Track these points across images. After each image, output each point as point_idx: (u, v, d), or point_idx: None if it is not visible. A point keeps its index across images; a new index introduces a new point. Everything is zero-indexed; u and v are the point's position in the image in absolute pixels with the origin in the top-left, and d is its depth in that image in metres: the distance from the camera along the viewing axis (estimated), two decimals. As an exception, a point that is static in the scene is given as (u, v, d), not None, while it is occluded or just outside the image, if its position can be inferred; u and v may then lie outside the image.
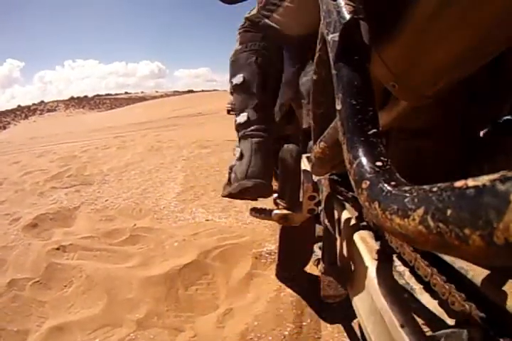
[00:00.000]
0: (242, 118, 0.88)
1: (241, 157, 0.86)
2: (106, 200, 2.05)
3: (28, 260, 1.31)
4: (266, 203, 0.84)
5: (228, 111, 1.14)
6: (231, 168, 0.91)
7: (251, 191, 0.82)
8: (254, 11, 0.83)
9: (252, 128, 0.87)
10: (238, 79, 0.89)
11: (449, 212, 0.11)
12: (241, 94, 0.91)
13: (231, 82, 0.92)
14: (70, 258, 1.33)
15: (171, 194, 2.08)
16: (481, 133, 0.40)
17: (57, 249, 1.38)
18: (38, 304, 1.05)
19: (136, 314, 0.97)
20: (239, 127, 0.90)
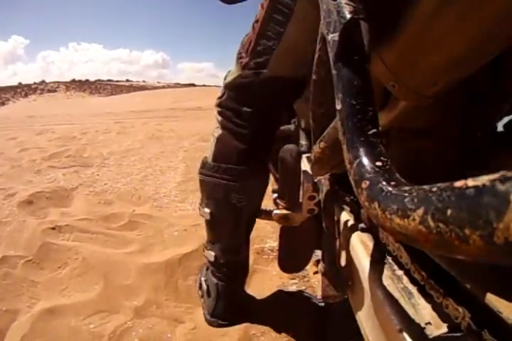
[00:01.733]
0: (211, 256, 0.79)
1: (208, 293, 0.82)
2: (105, 184, 1.98)
3: (22, 237, 1.25)
4: (265, 204, 0.83)
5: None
6: (202, 280, 0.87)
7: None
8: (235, 72, 0.64)
9: (219, 270, 0.80)
10: (205, 212, 0.74)
11: (449, 212, 0.11)
12: (209, 230, 0.79)
13: (199, 209, 0.78)
14: (66, 239, 1.28)
15: (171, 183, 2.00)
16: (481, 133, 0.40)
17: (53, 228, 1.32)
18: (30, 284, 0.99)
19: (134, 301, 0.92)
20: (209, 262, 0.82)
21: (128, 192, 1.85)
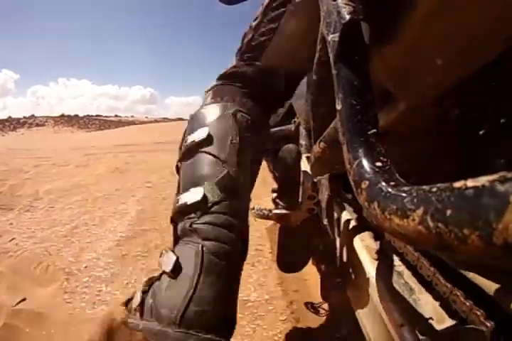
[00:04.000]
0: (193, 196, 0.50)
1: (175, 272, 0.46)
2: (11, 239, 1.39)
3: None
4: (265, 204, 0.83)
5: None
6: (150, 283, 0.49)
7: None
8: (231, 64, 0.65)
9: (208, 217, 0.48)
10: (199, 134, 0.54)
11: (448, 212, 0.11)
12: (198, 159, 0.54)
13: (184, 142, 0.57)
14: None
15: (106, 242, 1.36)
16: (481, 133, 0.40)
17: None
18: None
19: None
20: (180, 213, 0.52)
21: (33, 258, 1.22)
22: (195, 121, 0.59)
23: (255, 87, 0.62)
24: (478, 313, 0.24)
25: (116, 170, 2.85)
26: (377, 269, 0.38)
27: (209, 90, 0.65)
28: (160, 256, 0.50)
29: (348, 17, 0.26)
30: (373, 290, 0.37)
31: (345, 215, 0.55)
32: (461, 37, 0.24)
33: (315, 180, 0.70)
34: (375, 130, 0.22)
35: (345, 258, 0.50)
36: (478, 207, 0.10)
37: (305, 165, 0.74)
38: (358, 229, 0.49)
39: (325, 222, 0.61)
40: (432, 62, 0.27)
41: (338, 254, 0.53)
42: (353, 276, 0.46)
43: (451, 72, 0.27)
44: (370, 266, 0.40)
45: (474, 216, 0.10)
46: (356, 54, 0.26)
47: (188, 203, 0.49)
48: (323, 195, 0.67)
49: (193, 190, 0.50)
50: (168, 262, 0.47)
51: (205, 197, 0.49)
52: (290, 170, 0.70)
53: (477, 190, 0.10)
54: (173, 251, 0.49)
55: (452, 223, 0.11)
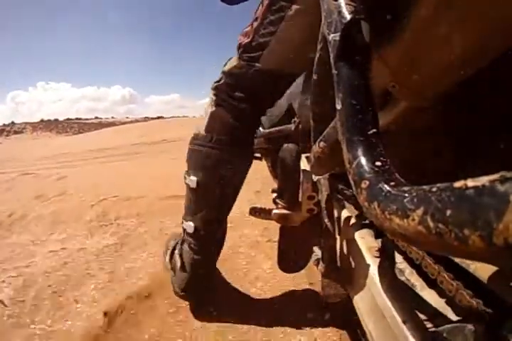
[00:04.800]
0: (189, 227, 0.80)
1: (183, 268, 0.83)
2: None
3: None
4: (266, 204, 0.83)
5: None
6: (173, 251, 0.91)
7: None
8: (234, 61, 0.73)
9: (198, 242, 0.81)
10: (191, 181, 0.78)
11: (448, 212, 0.11)
12: (193, 199, 0.80)
13: (185, 178, 0.81)
14: None
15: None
16: (481, 133, 0.40)
17: None
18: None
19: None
20: (186, 234, 0.83)
21: None
22: (191, 158, 0.80)
23: (251, 88, 0.72)
24: (483, 311, 0.24)
25: (40, 196, 2.06)
26: (379, 267, 0.38)
27: (216, 84, 0.77)
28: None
29: (349, 17, 0.26)
30: (375, 287, 0.37)
31: (346, 213, 0.55)
32: (461, 37, 0.24)
33: (315, 179, 0.70)
34: (375, 130, 0.22)
35: (345, 257, 0.50)
36: (479, 207, 0.10)
37: (305, 165, 0.74)
38: (359, 227, 0.49)
39: (325, 220, 0.61)
40: (431, 62, 0.27)
41: (338, 253, 0.53)
42: (354, 274, 0.46)
43: (451, 72, 0.27)
44: (371, 264, 0.40)
45: (474, 216, 0.10)
46: (357, 54, 0.26)
47: (188, 232, 0.81)
48: (323, 194, 0.67)
49: (189, 223, 0.80)
50: (177, 261, 0.82)
51: (195, 229, 0.80)
52: (290, 170, 0.70)
53: (477, 190, 0.10)
54: (180, 247, 0.83)
55: (452, 223, 0.11)
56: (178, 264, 0.85)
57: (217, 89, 0.76)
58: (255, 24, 0.66)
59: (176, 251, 0.90)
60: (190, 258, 0.83)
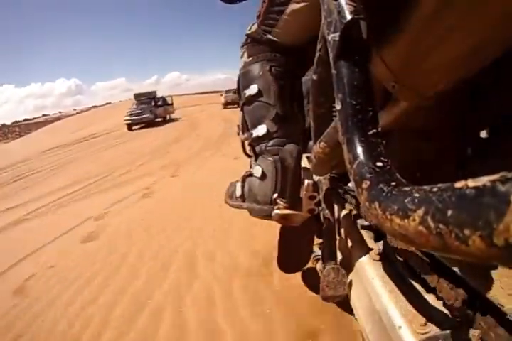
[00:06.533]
0: (261, 130, 0.79)
1: (263, 176, 0.76)
2: None
3: None
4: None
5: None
6: (244, 180, 0.83)
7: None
8: (254, 27, 0.83)
9: (273, 142, 0.78)
10: (252, 89, 0.81)
11: (449, 212, 0.11)
12: (256, 106, 0.82)
13: (244, 94, 0.84)
14: None
15: None
16: (481, 133, 0.40)
17: None
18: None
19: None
20: (255, 141, 0.81)
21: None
22: (245, 79, 0.85)
23: (270, 48, 0.82)
24: (478, 315, 0.24)
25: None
26: (378, 270, 0.38)
27: (243, 46, 0.88)
28: (250, 167, 0.85)
29: (348, 16, 0.26)
30: (373, 290, 0.37)
31: (346, 214, 0.55)
32: (462, 37, 0.24)
33: (315, 179, 0.70)
34: (375, 130, 0.22)
35: (345, 258, 0.50)
36: (479, 207, 0.10)
37: (305, 164, 0.74)
38: (359, 228, 0.49)
39: (325, 220, 0.61)
40: (431, 62, 0.27)
41: (338, 254, 0.53)
42: (353, 276, 0.46)
43: (451, 72, 0.27)
44: (370, 267, 0.40)
45: (475, 216, 0.10)
46: (356, 54, 0.25)
47: (259, 135, 0.80)
48: (324, 193, 0.67)
49: (259, 126, 0.80)
50: (257, 170, 0.78)
51: (268, 130, 0.78)
52: (291, 170, 0.70)
53: (478, 190, 0.10)
54: (256, 164, 0.80)
55: (453, 223, 0.11)
56: (258, 174, 0.78)
57: (246, 44, 0.87)
58: (264, 5, 0.74)
59: (254, 164, 0.84)
60: (270, 163, 0.77)
